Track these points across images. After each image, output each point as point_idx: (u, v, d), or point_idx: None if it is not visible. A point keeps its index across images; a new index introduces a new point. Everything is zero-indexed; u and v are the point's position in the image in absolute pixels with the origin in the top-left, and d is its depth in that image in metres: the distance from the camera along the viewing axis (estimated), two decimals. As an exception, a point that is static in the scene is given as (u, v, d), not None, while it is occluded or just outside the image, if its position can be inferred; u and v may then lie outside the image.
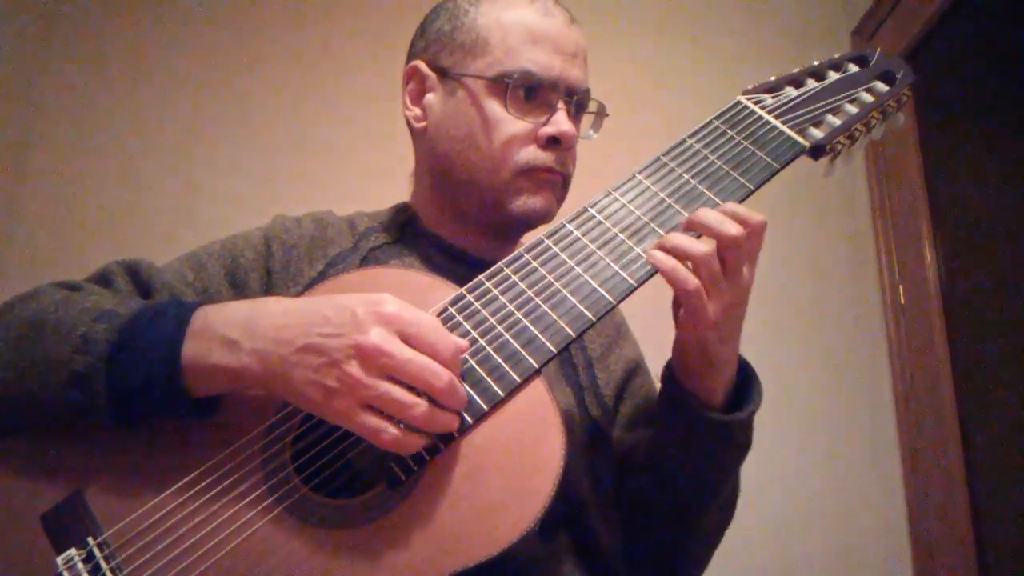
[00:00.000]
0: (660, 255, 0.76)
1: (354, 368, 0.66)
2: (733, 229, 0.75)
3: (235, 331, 0.70)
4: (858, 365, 2.16)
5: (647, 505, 0.90)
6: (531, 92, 0.93)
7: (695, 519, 0.89)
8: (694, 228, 0.77)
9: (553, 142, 0.93)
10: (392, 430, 0.66)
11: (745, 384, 0.86)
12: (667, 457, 0.87)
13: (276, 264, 0.94)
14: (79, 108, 2.35)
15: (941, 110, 2.13)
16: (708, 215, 0.76)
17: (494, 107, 0.93)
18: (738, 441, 0.84)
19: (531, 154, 0.92)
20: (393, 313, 0.68)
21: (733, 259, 0.76)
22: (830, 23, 2.45)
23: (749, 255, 0.77)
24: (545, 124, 0.92)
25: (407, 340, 0.68)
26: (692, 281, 0.75)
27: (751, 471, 1.96)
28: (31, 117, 2.32)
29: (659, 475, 0.88)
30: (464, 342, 0.72)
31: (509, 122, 0.92)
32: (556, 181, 0.95)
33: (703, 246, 0.75)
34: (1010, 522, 1.79)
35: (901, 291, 2.17)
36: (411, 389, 0.67)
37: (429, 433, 0.69)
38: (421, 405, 0.66)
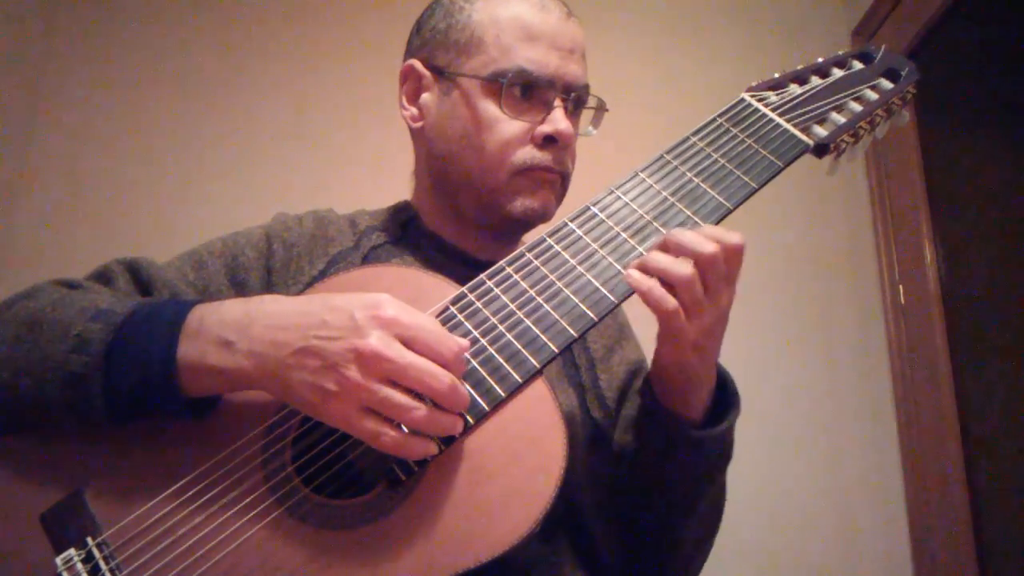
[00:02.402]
0: (637, 275, 0.74)
1: (353, 372, 0.65)
2: (710, 248, 0.73)
3: (230, 332, 0.69)
4: (858, 365, 2.16)
5: (630, 511, 0.89)
6: (527, 90, 0.92)
7: (674, 529, 0.88)
8: (669, 248, 0.75)
9: (550, 141, 0.92)
10: (391, 433, 0.65)
11: (723, 396, 0.85)
12: (645, 469, 0.86)
13: (277, 262, 0.93)
14: (79, 108, 2.34)
15: (941, 110, 2.12)
16: (684, 235, 0.74)
17: (489, 107, 0.92)
18: (714, 455, 0.83)
19: (528, 154, 0.92)
20: (392, 316, 0.67)
21: (712, 280, 0.74)
22: (830, 23, 2.45)
23: (727, 276, 0.75)
24: (542, 123, 0.92)
25: (407, 343, 0.67)
26: (670, 302, 0.72)
27: (752, 471, 1.98)
28: (31, 117, 2.32)
29: (638, 485, 0.87)
30: (465, 342, 0.71)
31: (505, 122, 0.92)
32: (554, 180, 0.95)
33: (685, 268, 0.72)
34: (1010, 522, 1.79)
35: (901, 291, 2.17)
36: (412, 393, 0.66)
37: (435, 439, 0.68)
38: (421, 409, 0.65)
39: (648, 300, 0.73)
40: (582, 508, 0.86)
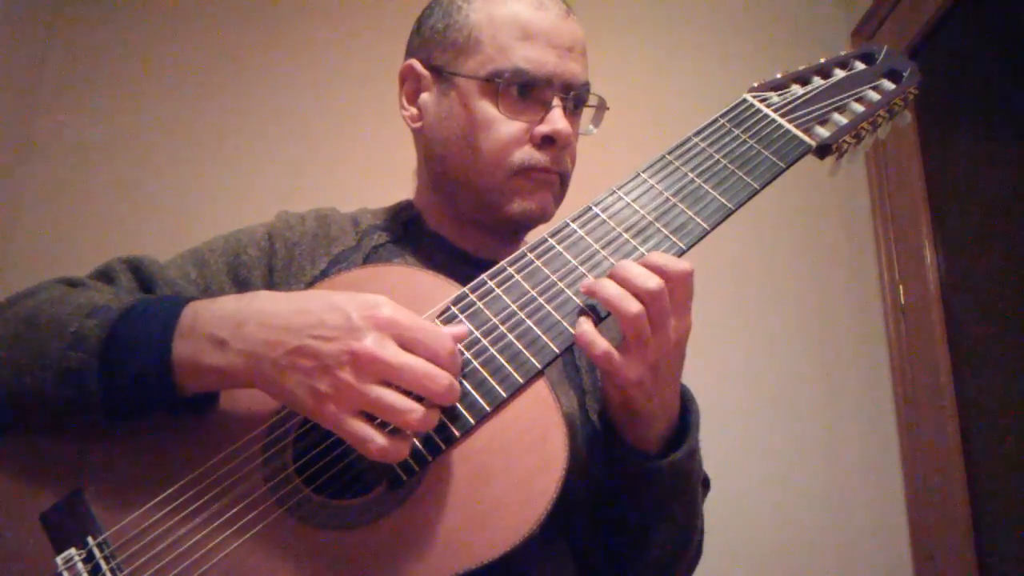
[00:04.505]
0: (584, 327, 0.73)
1: (347, 374, 0.64)
2: (652, 283, 0.70)
3: (224, 330, 0.68)
4: (858, 365, 2.16)
5: (615, 516, 0.88)
6: (525, 90, 0.91)
7: (639, 549, 0.86)
8: (616, 281, 0.73)
9: (548, 141, 0.91)
10: (380, 440, 0.64)
11: (686, 424, 0.83)
12: (605, 491, 0.85)
13: (279, 261, 0.93)
14: (79, 108, 2.34)
15: (941, 110, 2.12)
16: (628, 269, 0.72)
17: (487, 107, 0.91)
18: (668, 485, 0.81)
19: (526, 154, 0.91)
20: (388, 317, 0.66)
21: (656, 315, 0.71)
22: (830, 23, 2.45)
23: (677, 307, 0.73)
24: (540, 123, 0.91)
25: (403, 344, 0.66)
26: (600, 345, 0.72)
27: (752, 471, 1.98)
28: (31, 118, 2.32)
29: (603, 503, 0.87)
30: (456, 346, 0.70)
31: (502, 122, 0.91)
32: (552, 180, 0.94)
33: (632, 305, 0.70)
34: (1010, 522, 1.79)
35: (901, 291, 2.17)
36: (408, 394, 0.66)
37: (413, 438, 0.68)
38: (417, 411, 0.65)
39: (581, 344, 0.73)
40: (582, 510, 0.86)
